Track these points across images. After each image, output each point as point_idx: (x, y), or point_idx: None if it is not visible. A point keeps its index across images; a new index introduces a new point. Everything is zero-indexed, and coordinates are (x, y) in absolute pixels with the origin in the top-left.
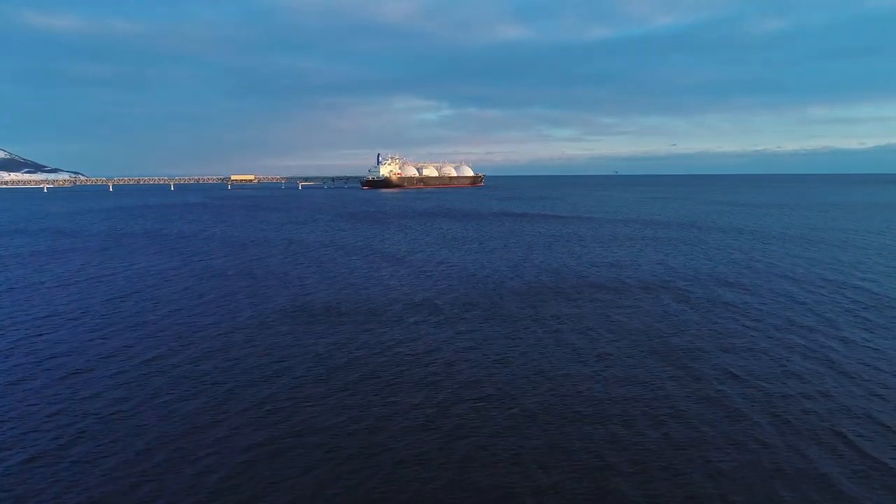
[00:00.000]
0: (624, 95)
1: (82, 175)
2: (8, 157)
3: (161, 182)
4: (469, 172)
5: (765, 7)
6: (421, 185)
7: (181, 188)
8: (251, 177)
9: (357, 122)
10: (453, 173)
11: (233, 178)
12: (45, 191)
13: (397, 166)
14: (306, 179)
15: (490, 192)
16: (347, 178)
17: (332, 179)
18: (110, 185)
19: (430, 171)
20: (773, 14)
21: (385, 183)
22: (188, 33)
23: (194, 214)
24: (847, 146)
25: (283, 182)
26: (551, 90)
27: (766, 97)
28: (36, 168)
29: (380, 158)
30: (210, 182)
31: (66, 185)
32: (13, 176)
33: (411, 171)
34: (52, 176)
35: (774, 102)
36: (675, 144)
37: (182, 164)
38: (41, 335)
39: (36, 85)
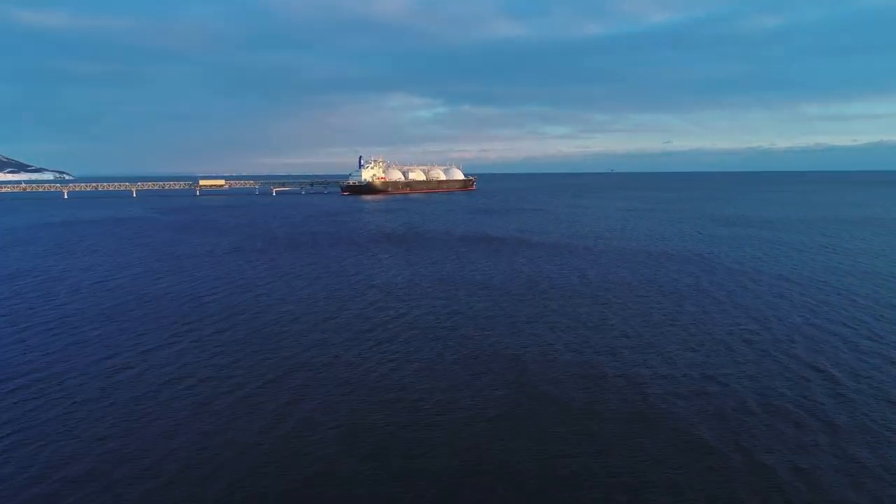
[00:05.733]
0: (618, 93)
1: (67, 175)
2: None
3: (122, 188)
4: (459, 176)
5: (760, 5)
6: (407, 191)
7: (144, 195)
8: (221, 182)
9: (351, 119)
10: (442, 177)
11: (201, 183)
12: None
13: (381, 170)
14: (282, 184)
15: (477, 201)
16: (327, 183)
17: (311, 184)
18: (65, 191)
19: (416, 175)
20: (769, 11)
21: (367, 188)
22: (179, 30)
23: (98, 240)
24: (840, 143)
25: (256, 187)
26: (546, 88)
27: (760, 94)
28: (20, 168)
29: (362, 161)
30: (177, 188)
31: (18, 190)
32: None
33: (397, 175)
34: (35, 176)
35: (769, 100)
36: (669, 141)
37: (174, 163)
38: None
39: (23, 83)
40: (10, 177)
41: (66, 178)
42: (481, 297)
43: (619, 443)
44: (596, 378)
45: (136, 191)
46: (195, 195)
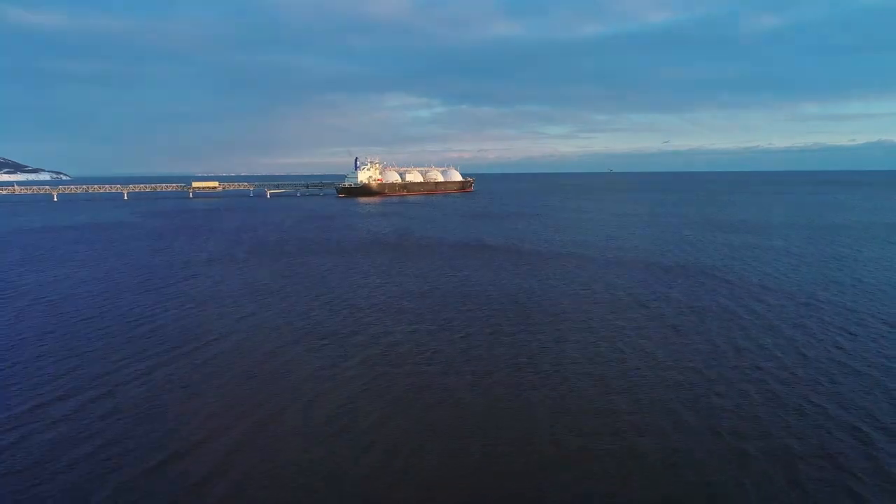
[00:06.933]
0: (617, 93)
1: (64, 175)
2: None
3: (113, 190)
4: (457, 177)
5: (760, 5)
6: (404, 193)
7: (135, 197)
8: (215, 184)
9: (350, 120)
10: (439, 178)
11: (194, 185)
12: None
13: (377, 172)
14: (277, 186)
15: (475, 203)
16: (323, 185)
17: (307, 186)
18: (54, 193)
19: (413, 176)
20: (769, 11)
21: (363, 191)
22: (177, 30)
23: (71, 249)
24: (838, 143)
25: (251, 189)
26: (544, 87)
27: (758, 94)
28: (16, 168)
29: (358, 163)
30: (169, 190)
31: (7, 192)
32: None
33: (393, 177)
34: (31, 176)
35: (767, 99)
36: (667, 141)
37: (173, 163)
38: None
39: (21, 83)
40: (5, 177)
41: (63, 178)
42: (467, 321)
43: None
44: (594, 455)
45: (127, 193)
46: (188, 197)
